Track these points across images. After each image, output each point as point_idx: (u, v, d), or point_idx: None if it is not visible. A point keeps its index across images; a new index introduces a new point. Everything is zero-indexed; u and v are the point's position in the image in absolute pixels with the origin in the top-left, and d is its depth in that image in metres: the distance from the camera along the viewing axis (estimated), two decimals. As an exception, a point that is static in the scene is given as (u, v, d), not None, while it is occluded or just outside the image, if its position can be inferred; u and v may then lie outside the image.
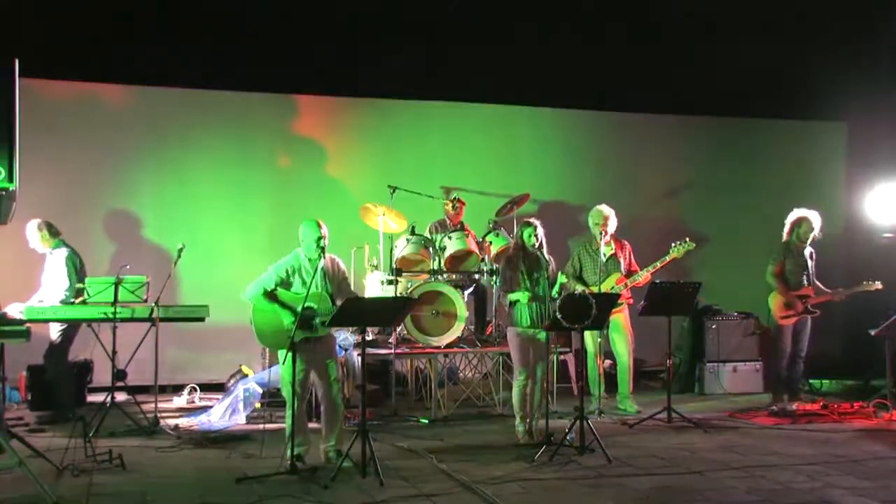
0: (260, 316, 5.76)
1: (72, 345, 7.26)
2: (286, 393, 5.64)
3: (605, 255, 7.64)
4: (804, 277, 7.92)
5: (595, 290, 7.42)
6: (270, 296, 5.69)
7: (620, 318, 7.72)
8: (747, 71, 9.61)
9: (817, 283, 8.04)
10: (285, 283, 5.72)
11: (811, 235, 7.92)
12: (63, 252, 7.16)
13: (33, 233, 7.20)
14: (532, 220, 6.48)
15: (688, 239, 7.66)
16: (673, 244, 7.65)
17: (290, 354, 5.39)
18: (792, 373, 8.02)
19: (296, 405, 5.55)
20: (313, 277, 5.66)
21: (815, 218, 7.95)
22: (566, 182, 9.94)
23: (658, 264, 7.67)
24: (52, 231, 7.24)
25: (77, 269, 7.16)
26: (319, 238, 5.66)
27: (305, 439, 5.75)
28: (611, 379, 8.15)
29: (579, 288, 7.48)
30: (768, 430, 6.95)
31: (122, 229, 8.77)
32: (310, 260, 5.74)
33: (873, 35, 9.23)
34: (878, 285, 7.86)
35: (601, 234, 7.61)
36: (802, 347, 7.99)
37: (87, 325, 7.06)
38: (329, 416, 5.82)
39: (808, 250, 7.99)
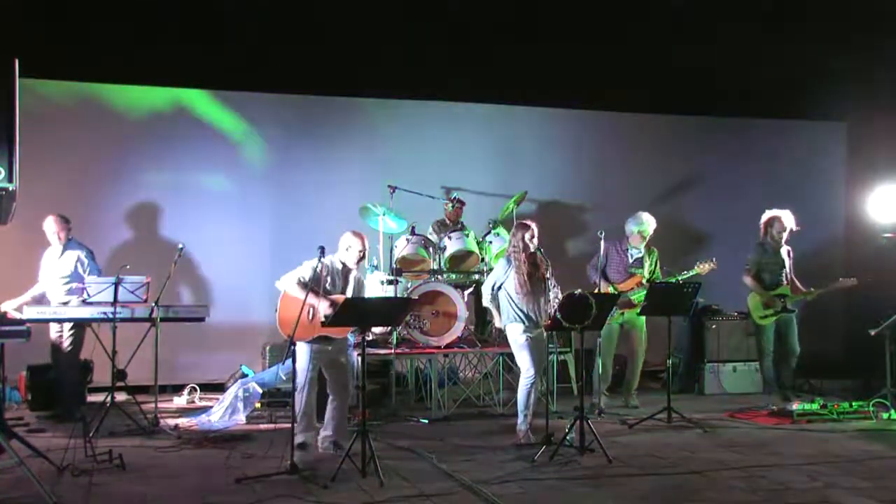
0: (287, 304, 5.90)
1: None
2: (299, 382, 5.77)
3: (632, 256, 7.97)
4: (781, 276, 8.05)
5: (612, 289, 7.76)
6: (304, 286, 5.77)
7: (641, 318, 7.92)
8: (747, 71, 9.60)
9: (796, 281, 8.17)
10: (314, 280, 5.82)
11: (784, 234, 8.07)
12: (80, 251, 7.25)
13: (55, 225, 7.24)
14: (528, 221, 6.51)
15: (714, 259, 7.77)
16: (697, 262, 7.79)
17: (294, 350, 5.51)
18: (782, 372, 8.09)
19: (304, 396, 5.79)
20: (341, 283, 5.99)
21: (786, 216, 8.09)
22: (566, 182, 9.94)
23: (679, 279, 7.78)
24: (69, 227, 7.33)
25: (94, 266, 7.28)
26: (362, 251, 6.00)
27: (310, 426, 6.00)
28: (612, 379, 8.24)
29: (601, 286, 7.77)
30: (768, 430, 6.95)
31: (121, 229, 8.77)
32: (343, 265, 6.03)
33: (873, 35, 9.22)
34: (854, 281, 7.98)
35: (642, 241, 7.95)
36: (793, 346, 8.08)
37: (87, 325, 7.08)
38: (336, 406, 6.04)
39: (784, 248, 8.13)
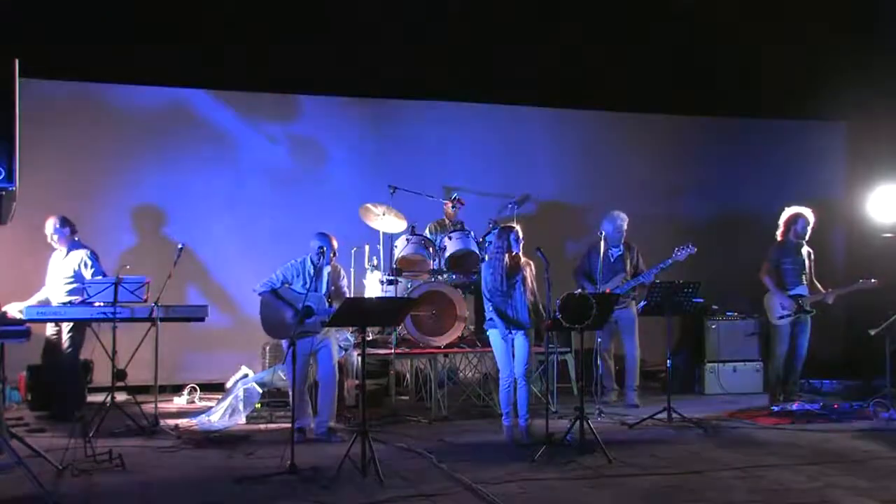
0: (266, 309, 6.51)
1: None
2: (290, 379, 6.07)
3: (612, 256, 8.05)
4: (801, 276, 7.92)
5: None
6: (275, 294, 6.48)
7: (629, 315, 8.02)
8: (747, 71, 9.60)
9: (815, 282, 8.03)
10: (288, 283, 6.49)
11: (808, 231, 7.93)
12: (85, 252, 7.24)
13: (53, 228, 7.24)
14: (512, 224, 6.56)
15: (690, 244, 7.73)
16: (676, 249, 7.73)
17: (292, 348, 5.65)
18: (788, 373, 8.04)
19: (297, 386, 6.13)
20: (313, 280, 6.43)
21: (809, 214, 7.96)
22: (566, 182, 9.94)
23: (662, 266, 7.81)
24: (72, 229, 7.32)
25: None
26: (326, 249, 6.41)
27: (305, 413, 6.50)
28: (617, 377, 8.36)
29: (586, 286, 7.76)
30: (768, 430, 6.95)
31: (121, 229, 8.77)
32: (314, 266, 6.44)
33: (873, 34, 9.23)
34: (874, 282, 7.79)
35: (619, 237, 8.05)
36: (799, 350, 7.96)
37: (87, 325, 7.08)
38: (325, 392, 6.49)
39: (805, 249, 7.99)
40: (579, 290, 6.18)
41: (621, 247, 8.13)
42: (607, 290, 7.77)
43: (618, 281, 8.00)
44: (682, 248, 7.70)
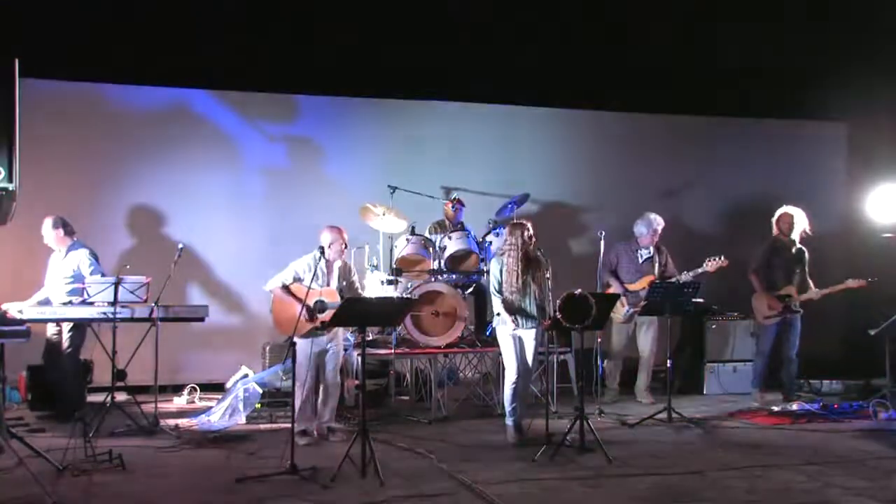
0: (278, 306, 6.45)
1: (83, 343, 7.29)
2: (299, 376, 6.09)
3: (641, 257, 8.17)
4: (790, 276, 7.95)
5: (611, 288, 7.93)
6: (286, 289, 6.41)
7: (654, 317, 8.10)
8: (747, 71, 9.59)
9: (808, 281, 8.07)
10: (299, 279, 6.40)
11: (795, 231, 8.00)
12: (84, 252, 7.23)
13: (48, 230, 7.22)
14: (523, 221, 6.57)
15: (722, 256, 7.80)
16: (708, 259, 7.82)
17: (293, 348, 5.60)
18: (785, 374, 8.08)
19: (304, 390, 6.25)
20: (312, 274, 6.28)
21: (798, 214, 8.03)
22: (566, 182, 9.93)
23: (689, 274, 7.90)
24: (68, 230, 7.28)
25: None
26: (342, 243, 6.46)
27: (311, 416, 6.47)
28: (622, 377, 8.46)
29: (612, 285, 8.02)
30: (768, 430, 6.95)
31: (122, 230, 8.77)
32: (326, 260, 6.43)
33: (873, 33, 9.22)
34: (862, 282, 7.82)
35: (651, 241, 8.16)
36: (791, 348, 8.01)
37: (87, 325, 7.08)
38: (327, 394, 6.51)
39: (797, 248, 8.02)
40: (579, 290, 6.16)
41: (651, 249, 8.19)
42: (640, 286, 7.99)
43: (643, 284, 8.02)
44: (714, 259, 7.78)
